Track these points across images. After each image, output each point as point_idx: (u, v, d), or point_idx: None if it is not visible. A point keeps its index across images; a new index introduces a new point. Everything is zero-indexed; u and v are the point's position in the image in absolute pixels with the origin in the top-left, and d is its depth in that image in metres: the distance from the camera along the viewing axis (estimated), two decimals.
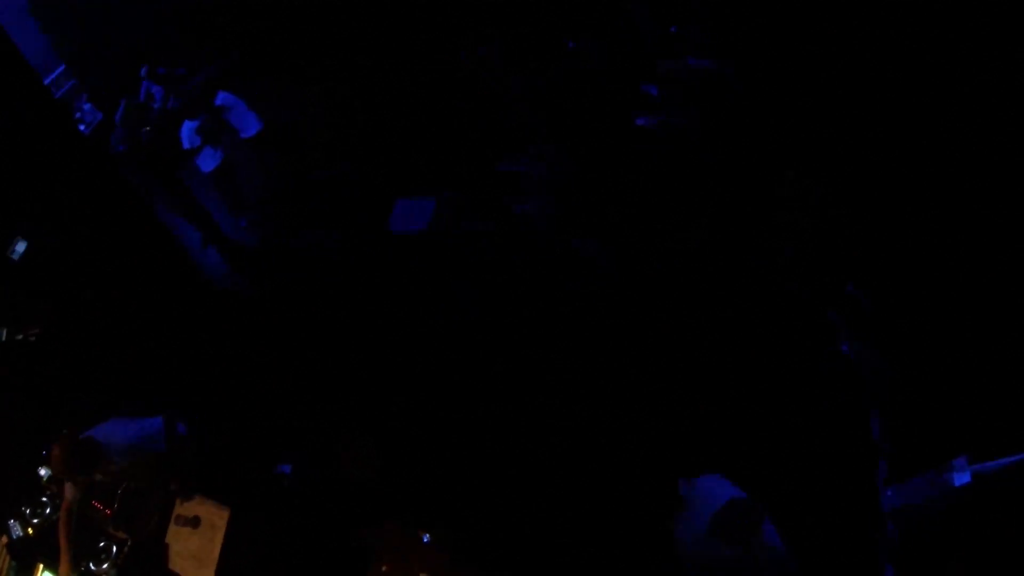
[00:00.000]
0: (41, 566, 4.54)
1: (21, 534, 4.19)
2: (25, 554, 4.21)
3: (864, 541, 3.79)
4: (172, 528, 3.71)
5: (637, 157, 4.79)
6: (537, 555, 3.77)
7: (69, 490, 3.57)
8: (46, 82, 7.89)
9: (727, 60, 4.89)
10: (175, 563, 3.66)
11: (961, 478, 3.50)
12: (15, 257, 6.11)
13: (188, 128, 6.17)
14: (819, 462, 4.02)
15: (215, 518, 3.57)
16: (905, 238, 4.32)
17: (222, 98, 6.36)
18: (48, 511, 4.19)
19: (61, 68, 8.14)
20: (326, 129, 6.13)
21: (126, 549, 3.63)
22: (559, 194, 4.64)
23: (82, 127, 7.95)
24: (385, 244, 4.68)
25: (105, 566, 3.62)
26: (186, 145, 6.14)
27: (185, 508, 3.70)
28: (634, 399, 4.13)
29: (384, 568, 3.91)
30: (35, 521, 4.18)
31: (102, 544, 3.72)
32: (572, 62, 4.90)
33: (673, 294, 4.38)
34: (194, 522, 3.62)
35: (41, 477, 4.46)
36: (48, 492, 4.33)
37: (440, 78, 5.42)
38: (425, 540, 3.31)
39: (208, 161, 6.12)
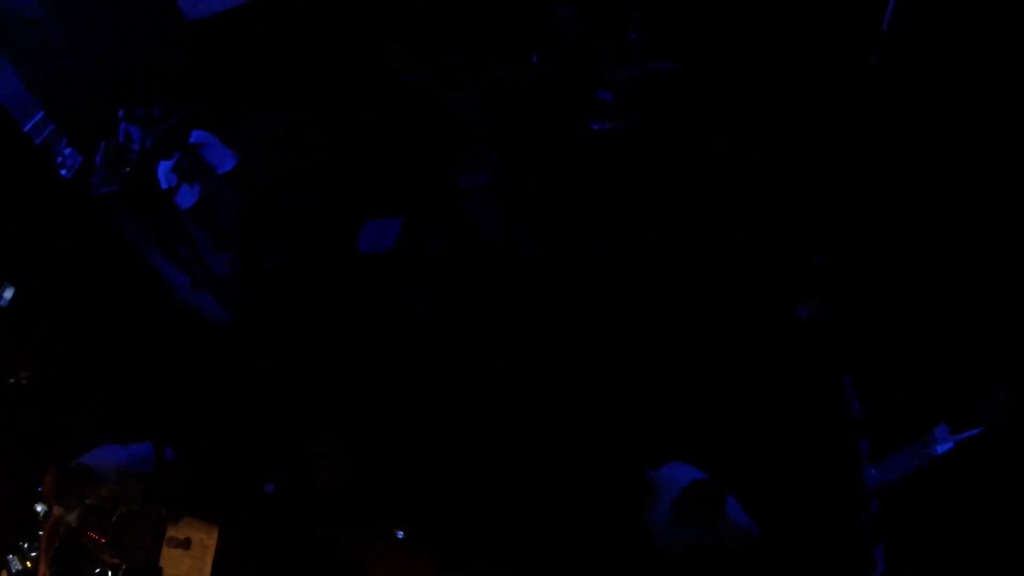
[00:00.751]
0: None
1: (20, 568, 4.34)
2: None
3: (849, 519, 3.86)
4: (165, 551, 3.88)
5: (594, 160, 5.01)
6: (516, 551, 3.93)
7: (58, 510, 3.80)
8: (26, 129, 8.07)
9: (686, 62, 5.10)
10: None
11: (943, 447, 3.53)
12: (3, 303, 6.27)
13: (164, 168, 6.39)
14: (797, 444, 4.13)
15: (204, 538, 3.74)
16: (873, 209, 4.43)
17: (197, 136, 6.59)
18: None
19: (40, 115, 8.34)
20: (295, 160, 6.36)
21: (120, 574, 3.79)
22: (516, 203, 4.87)
23: (64, 171, 8.13)
24: (356, 265, 4.91)
25: None
26: (164, 185, 6.34)
27: (176, 531, 3.87)
28: (600, 393, 4.31)
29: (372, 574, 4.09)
30: (33, 555, 4.32)
31: (97, 571, 3.88)
32: (524, 73, 5.13)
33: (633, 284, 4.58)
34: (185, 544, 3.79)
35: (38, 512, 4.61)
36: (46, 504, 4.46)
37: (393, 99, 5.66)
38: (399, 536, 3.48)
39: (187, 198, 6.32)
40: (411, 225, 4.85)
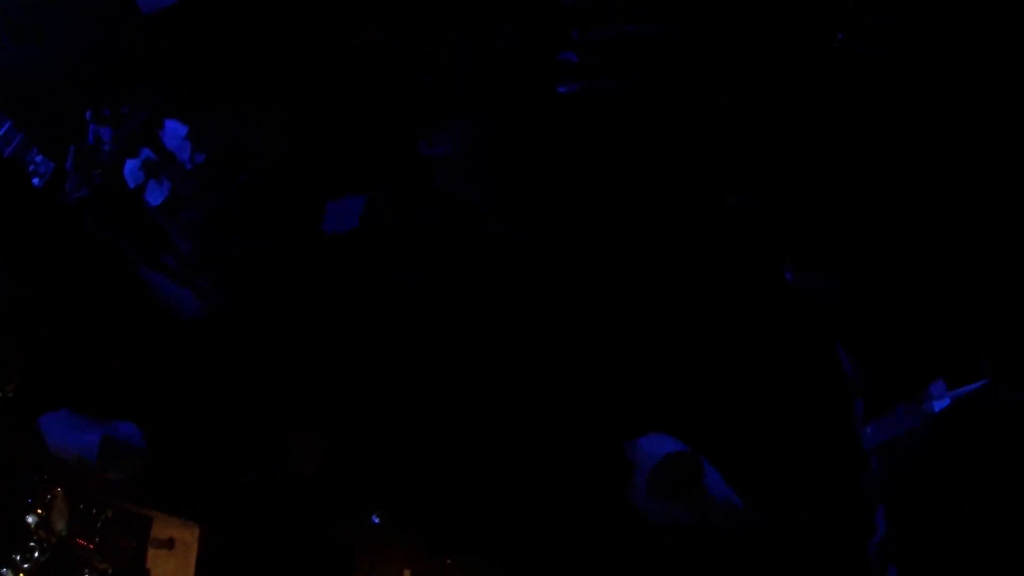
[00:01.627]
0: None
1: None
2: None
3: (846, 482, 3.75)
4: (150, 552, 3.84)
5: (563, 125, 4.82)
6: (501, 534, 3.85)
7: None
8: None
9: (666, 24, 4.89)
10: None
11: (940, 403, 3.50)
12: None
13: (131, 166, 6.27)
14: (790, 413, 3.98)
15: (187, 536, 3.69)
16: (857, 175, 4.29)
17: (171, 128, 6.47)
18: (37, 555, 4.32)
19: (7, 124, 8.20)
20: (261, 146, 6.22)
21: None
22: (486, 172, 4.71)
23: (36, 180, 8.02)
24: (324, 246, 4.79)
25: None
26: (131, 184, 6.23)
27: (160, 531, 3.83)
28: (583, 367, 4.19)
29: (368, 565, 4.03)
30: (26, 567, 4.31)
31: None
32: (488, 41, 4.93)
33: (609, 260, 4.44)
34: (168, 544, 3.75)
35: (29, 524, 4.59)
36: (36, 538, 4.46)
37: (347, 74, 5.50)
38: (375, 521, 3.42)
39: (155, 195, 6.21)
40: (377, 202, 4.70)
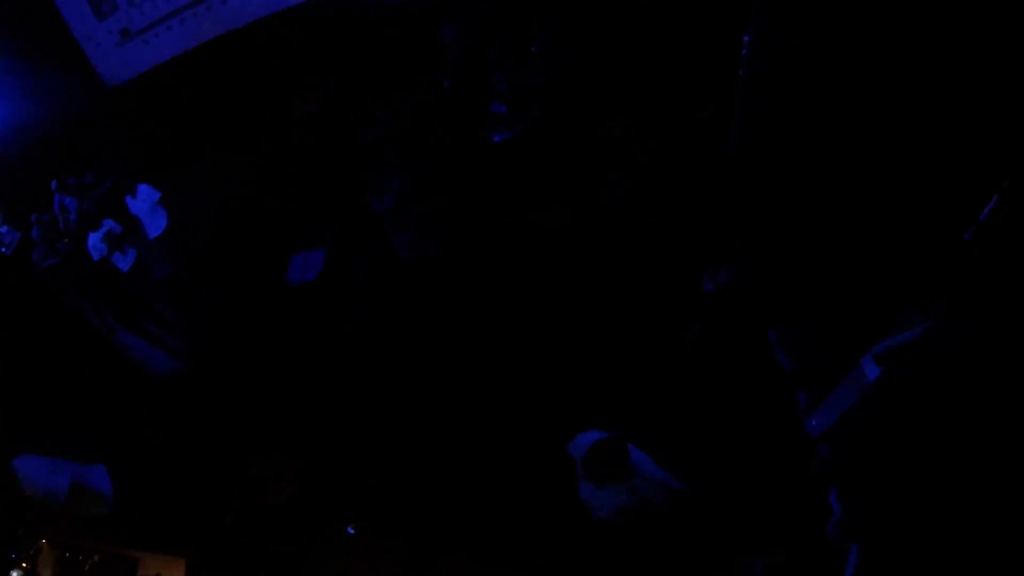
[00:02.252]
0: None
1: None
2: None
3: (796, 472, 3.79)
4: None
5: (496, 170, 5.26)
6: (473, 543, 4.14)
7: None
8: None
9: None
10: None
11: (872, 371, 3.39)
12: None
13: (93, 239, 6.56)
14: (734, 406, 4.11)
15: (174, 573, 3.97)
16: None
17: (139, 193, 6.79)
18: None
19: None
20: (220, 205, 6.60)
21: None
22: (427, 222, 5.17)
23: (2, 249, 8.19)
24: (285, 295, 5.22)
25: None
26: (95, 256, 6.51)
27: (147, 569, 4.10)
28: (531, 374, 4.50)
29: None
30: None
31: None
32: (421, 96, 5.42)
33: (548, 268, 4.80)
34: None
35: (12, 560, 4.76)
36: (21, 568, 4.64)
37: (305, 134, 5.97)
38: (350, 532, 3.70)
39: (123, 263, 6.49)
40: (334, 254, 5.16)
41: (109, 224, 6.70)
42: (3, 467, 5.24)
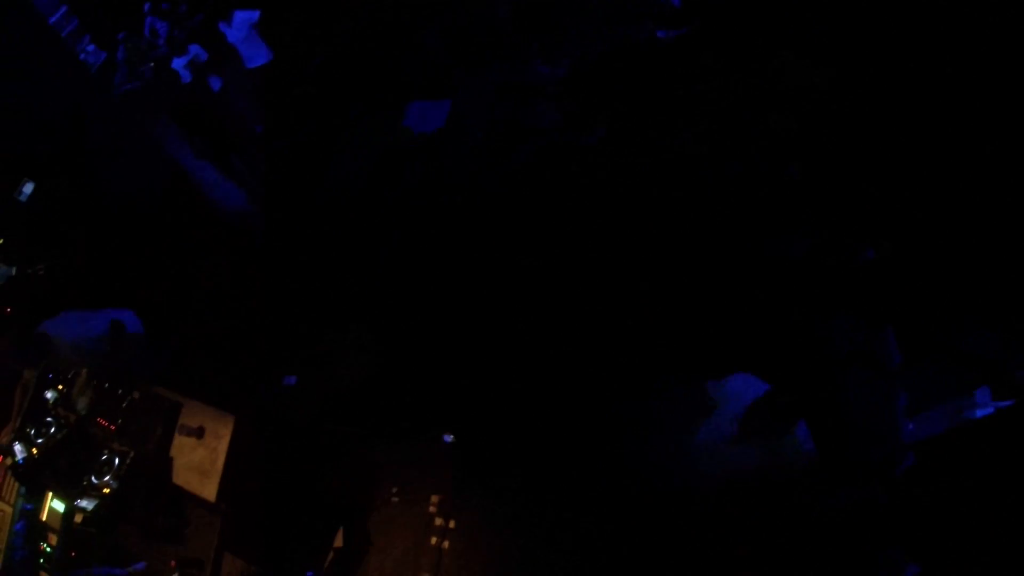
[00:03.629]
0: (51, 494, 4.47)
1: (26, 455, 4.09)
2: (32, 476, 4.12)
3: (882, 472, 3.60)
4: (177, 440, 3.58)
5: None
6: (544, 467, 3.57)
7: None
8: (51, 22, 7.71)
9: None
10: (179, 476, 3.53)
11: (983, 411, 3.48)
12: (22, 199, 6.15)
13: (178, 64, 6.02)
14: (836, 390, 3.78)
15: (219, 428, 3.41)
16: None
17: (235, 19, 6.19)
18: (53, 431, 4.07)
19: (63, 9, 7.93)
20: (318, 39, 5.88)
21: (128, 461, 3.49)
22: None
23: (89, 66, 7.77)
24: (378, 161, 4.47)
25: (107, 478, 3.49)
26: (185, 79, 5.96)
27: (190, 419, 3.55)
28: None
29: (393, 490, 3.75)
30: (39, 442, 4.07)
31: (104, 457, 3.60)
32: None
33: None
34: (198, 433, 3.48)
35: (47, 400, 4.36)
36: (55, 414, 4.23)
37: None
38: (447, 440, 3.15)
39: (207, 92, 5.93)
40: (457, 106, 4.35)
41: (196, 51, 6.09)
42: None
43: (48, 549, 4.44)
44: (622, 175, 4.16)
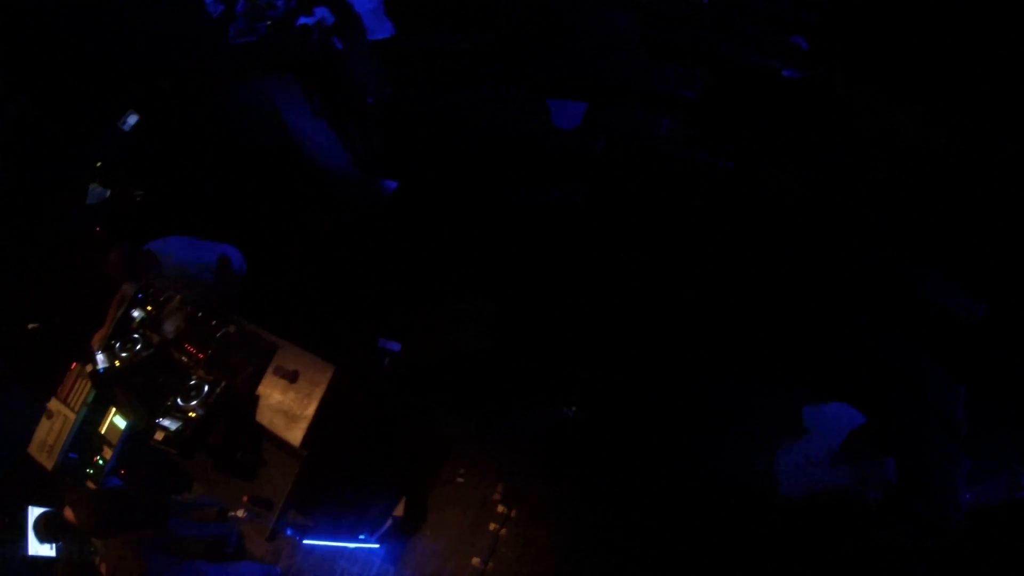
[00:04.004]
0: (114, 409, 4.54)
1: (107, 365, 4.17)
2: (106, 385, 4.20)
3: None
4: (267, 379, 3.64)
5: None
6: (618, 468, 3.59)
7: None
8: None
9: None
10: (264, 415, 3.57)
11: None
12: (126, 128, 6.32)
13: (303, 24, 6.17)
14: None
15: (317, 375, 3.47)
16: None
17: None
18: (138, 348, 4.15)
19: None
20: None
21: (218, 390, 3.56)
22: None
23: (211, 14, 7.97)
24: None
25: (194, 403, 3.55)
26: (312, 38, 6.09)
27: (284, 361, 3.62)
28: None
29: (461, 470, 3.79)
30: (123, 355, 4.14)
31: (193, 383, 3.66)
32: None
33: None
34: (292, 376, 3.54)
35: (134, 318, 4.45)
36: (139, 332, 4.31)
37: None
38: (569, 414, 3.21)
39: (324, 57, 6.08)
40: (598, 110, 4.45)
41: (323, 13, 6.25)
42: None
43: (100, 462, 4.51)
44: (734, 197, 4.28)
